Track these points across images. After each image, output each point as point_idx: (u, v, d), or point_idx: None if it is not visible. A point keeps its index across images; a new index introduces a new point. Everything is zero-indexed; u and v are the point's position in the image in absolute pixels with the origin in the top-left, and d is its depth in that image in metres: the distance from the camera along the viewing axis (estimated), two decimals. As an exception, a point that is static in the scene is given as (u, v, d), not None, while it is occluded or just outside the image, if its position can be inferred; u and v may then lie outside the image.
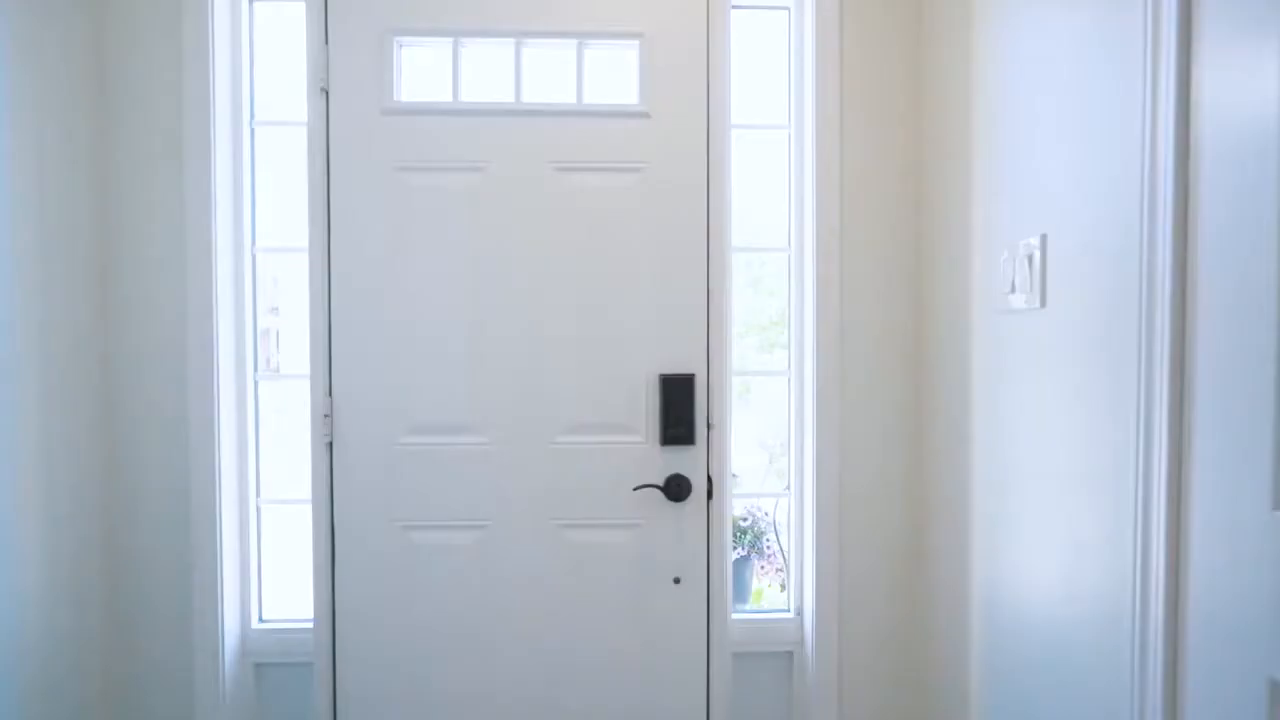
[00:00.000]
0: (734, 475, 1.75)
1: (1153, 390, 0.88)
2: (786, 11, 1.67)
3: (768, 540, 2.65)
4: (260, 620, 1.65)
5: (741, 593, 2.47)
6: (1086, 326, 1.02)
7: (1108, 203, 0.97)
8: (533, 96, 1.55)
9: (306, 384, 1.52)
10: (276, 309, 1.89)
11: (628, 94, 1.55)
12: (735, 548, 2.38)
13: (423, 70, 1.56)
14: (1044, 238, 1.12)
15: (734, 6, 1.62)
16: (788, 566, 1.75)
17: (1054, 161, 1.10)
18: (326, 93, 1.51)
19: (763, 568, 2.68)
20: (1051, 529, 1.11)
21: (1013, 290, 1.20)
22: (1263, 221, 0.73)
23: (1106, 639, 0.97)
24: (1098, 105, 0.99)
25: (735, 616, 1.67)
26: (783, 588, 1.89)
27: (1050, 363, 1.11)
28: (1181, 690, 0.85)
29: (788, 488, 1.74)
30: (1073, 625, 1.05)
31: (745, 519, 2.67)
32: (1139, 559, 0.90)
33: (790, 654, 1.66)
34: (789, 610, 1.71)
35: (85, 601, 1.48)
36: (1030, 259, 1.15)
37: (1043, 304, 1.12)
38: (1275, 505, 0.73)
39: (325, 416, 1.52)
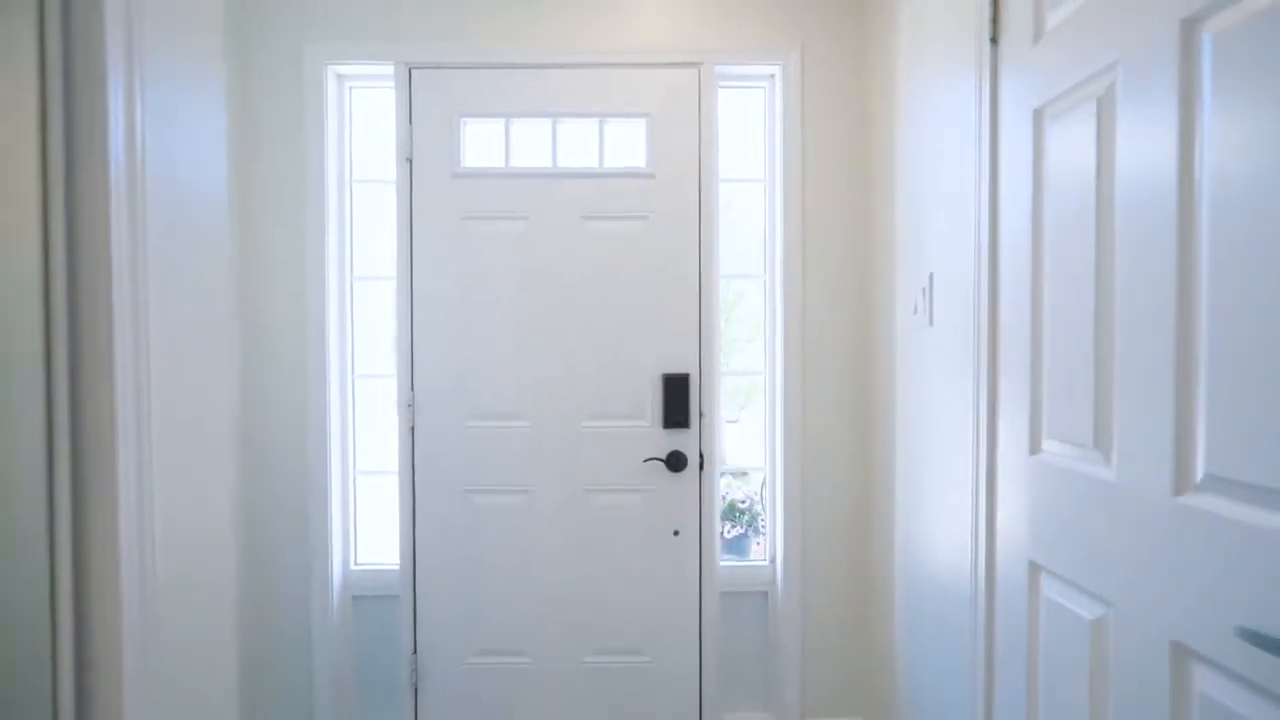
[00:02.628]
0: (740, 467, 2.20)
1: (979, 381, 1.33)
2: (762, 90, 2.13)
3: (762, 521, 3.09)
4: (356, 563, 2.14)
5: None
6: (952, 338, 1.47)
7: (962, 254, 1.42)
8: (565, 162, 2.03)
9: (382, 382, 2.01)
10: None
11: (638, 159, 2.02)
12: (735, 526, 2.84)
13: (482, 143, 2.04)
14: (931, 276, 1.57)
15: (722, 86, 2.09)
16: (767, 525, 2.19)
17: (938, 224, 1.55)
18: (410, 161, 2.00)
19: (758, 544, 3.13)
20: (937, 492, 1.55)
21: (916, 312, 1.65)
22: (1021, 274, 1.18)
23: (958, 566, 1.42)
24: (955, 189, 1.44)
25: (722, 564, 2.12)
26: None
27: (936, 364, 1.56)
28: (994, 585, 1.30)
29: (765, 463, 2.19)
30: (945, 565, 1.49)
31: (744, 501, 3.12)
32: (975, 505, 1.35)
33: (765, 593, 2.11)
34: (765, 559, 2.16)
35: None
36: (924, 290, 1.60)
37: (931, 323, 1.57)
38: (1031, 452, 1.17)
39: (409, 406, 2.01)
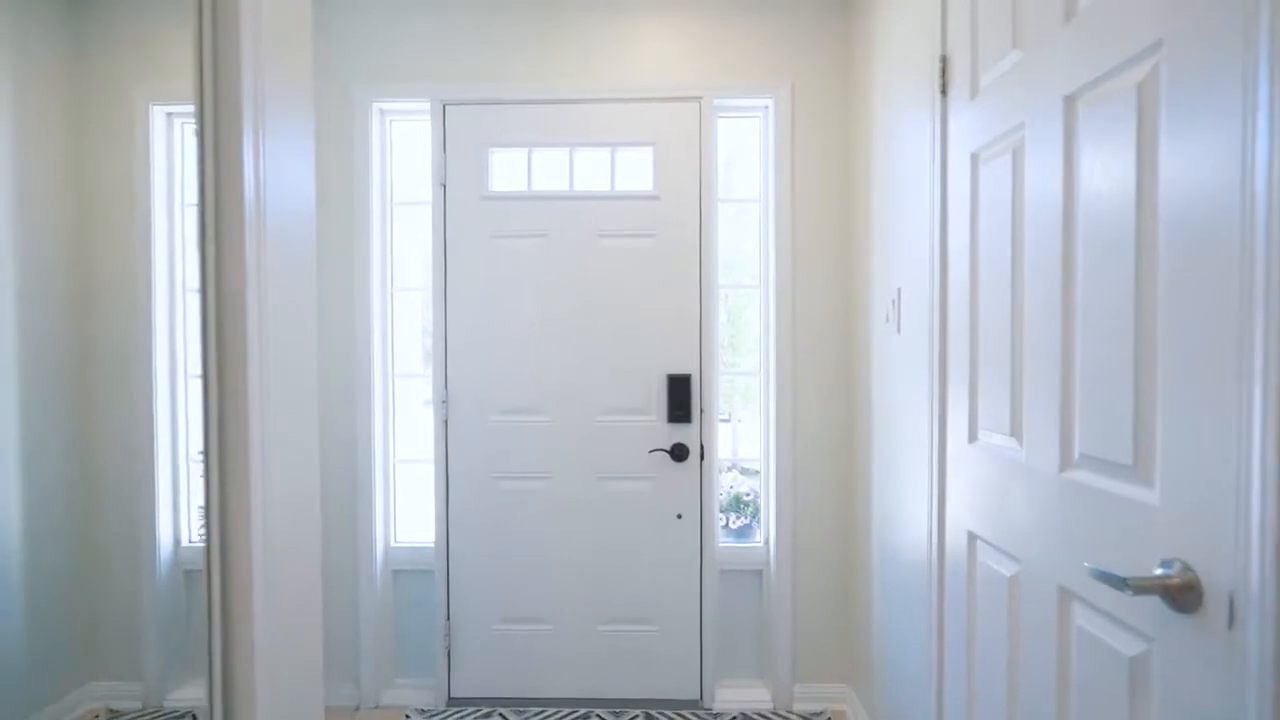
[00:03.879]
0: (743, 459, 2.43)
1: (933, 381, 1.56)
2: (757, 119, 2.37)
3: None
4: (395, 541, 2.40)
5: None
6: (914, 345, 1.69)
7: (921, 271, 1.64)
8: (581, 186, 2.28)
9: (414, 381, 2.27)
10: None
11: (645, 183, 2.27)
12: (740, 517, 3.07)
13: (507, 169, 2.30)
14: (899, 290, 1.79)
15: (721, 116, 2.33)
16: (763, 511, 2.43)
17: (903, 244, 1.77)
18: (444, 186, 2.27)
19: (761, 532, 3.36)
20: (903, 478, 1.78)
21: (887, 321, 1.88)
22: (963, 290, 1.40)
23: (919, 541, 1.64)
24: (915, 214, 1.67)
25: (721, 545, 2.36)
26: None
27: (903, 367, 1.78)
28: (944, 554, 1.52)
29: (761, 454, 2.43)
30: (909, 541, 1.72)
31: (749, 494, 3.35)
32: (930, 488, 1.57)
33: (760, 572, 2.35)
34: (760, 541, 2.40)
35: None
36: (894, 302, 1.83)
37: (899, 331, 1.80)
38: (970, 440, 1.40)
39: (443, 403, 2.27)
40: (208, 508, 1.08)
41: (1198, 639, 0.81)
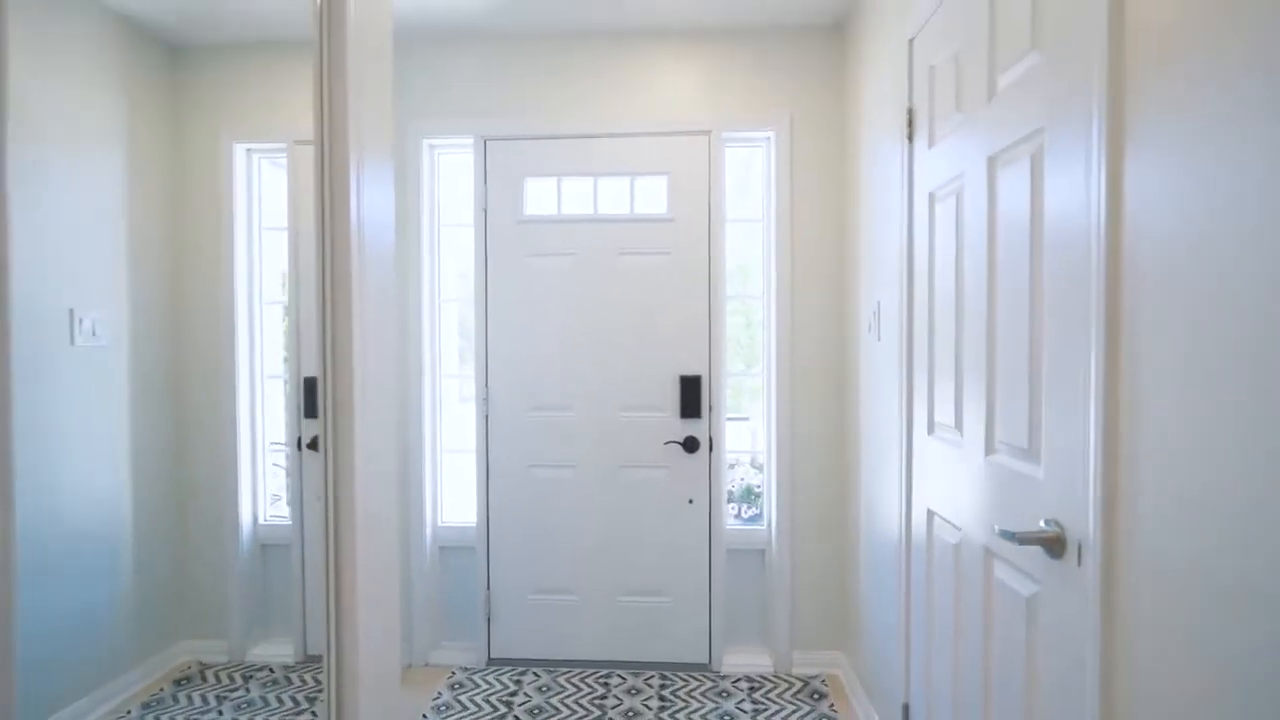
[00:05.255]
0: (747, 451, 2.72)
1: (901, 383, 1.83)
2: (761, 147, 2.65)
3: (775, 502, 3.60)
4: (441, 522, 2.74)
5: (747, 531, 3.41)
6: (890, 352, 1.97)
7: (894, 288, 1.92)
8: (604, 210, 2.59)
9: (453, 381, 2.59)
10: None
11: (660, 207, 2.57)
12: (751, 507, 3.36)
13: (540, 196, 2.62)
14: (879, 303, 2.07)
15: (729, 145, 2.62)
16: (765, 498, 2.72)
17: (883, 262, 2.05)
18: (485, 211, 2.60)
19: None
20: (882, 467, 2.05)
21: (869, 330, 2.15)
22: (922, 305, 1.68)
23: (892, 521, 1.92)
24: (890, 239, 1.95)
25: (728, 526, 2.65)
26: (766, 517, 2.85)
27: (882, 371, 2.06)
28: (910, 530, 1.80)
29: (765, 447, 2.71)
30: (886, 522, 2.00)
31: (759, 487, 3.64)
32: (900, 474, 1.85)
33: (763, 551, 2.64)
34: (763, 524, 2.69)
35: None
36: (875, 313, 2.10)
37: (879, 339, 2.07)
38: (929, 432, 1.68)
39: (484, 400, 2.60)
40: (325, 484, 1.40)
41: (1064, 577, 1.09)
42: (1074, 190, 1.06)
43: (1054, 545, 1.11)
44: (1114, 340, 0.97)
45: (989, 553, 1.37)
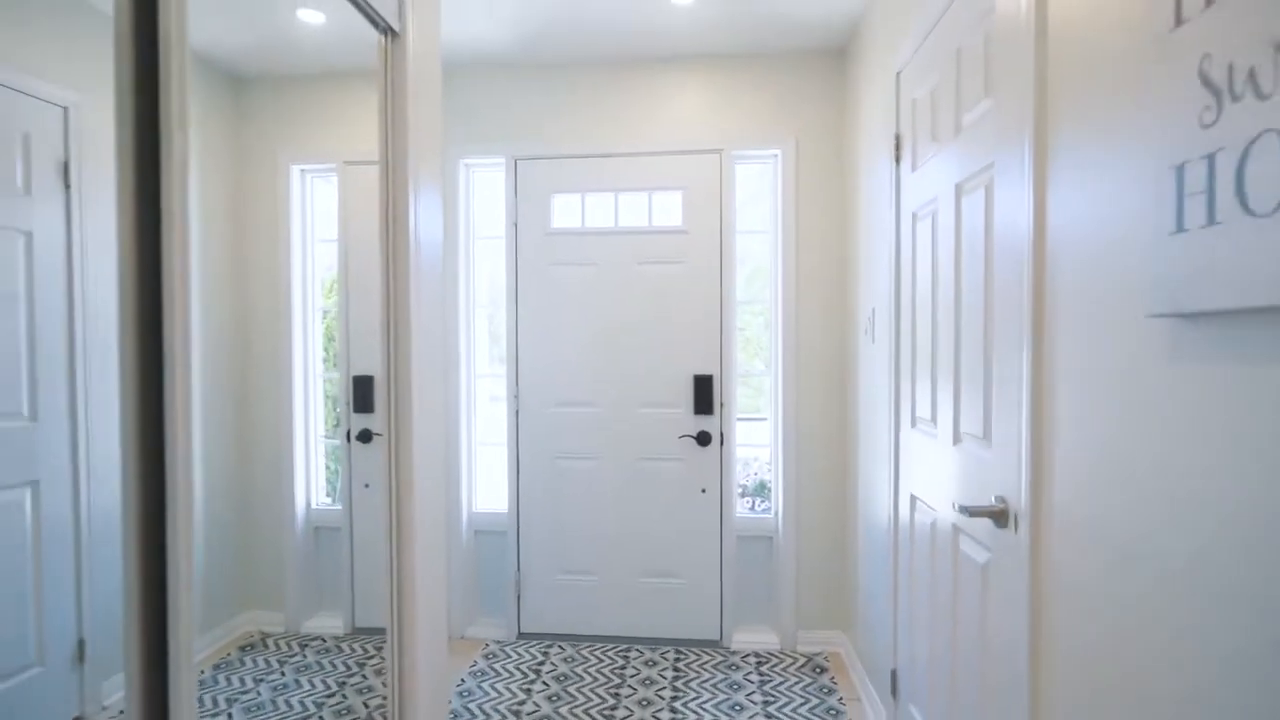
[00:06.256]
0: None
1: (890, 381, 2.03)
2: (769, 164, 2.86)
3: (787, 496, 3.80)
4: (475, 508, 3.00)
5: (759, 522, 3.61)
6: (882, 353, 2.17)
7: (885, 296, 2.12)
8: (624, 223, 2.82)
9: (483, 380, 2.85)
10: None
11: (676, 220, 2.79)
12: (764, 500, 3.57)
13: (565, 210, 2.86)
14: (874, 309, 2.27)
15: (739, 163, 2.84)
16: (773, 488, 2.92)
17: (876, 272, 2.25)
18: (516, 225, 2.85)
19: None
20: (876, 460, 2.25)
21: (865, 333, 2.35)
22: (906, 312, 1.89)
23: (883, 508, 2.12)
24: (881, 251, 2.15)
25: (739, 515, 2.86)
26: (774, 507, 3.05)
27: (877, 371, 2.26)
28: (898, 515, 2.00)
29: (771, 443, 2.92)
30: (878, 509, 2.19)
31: (769, 481, 3.85)
32: (889, 464, 2.05)
33: (771, 538, 2.84)
34: (770, 513, 2.89)
35: (394, 491, 2.87)
36: (870, 318, 2.30)
37: (873, 341, 2.27)
38: (911, 425, 1.88)
39: (514, 397, 2.85)
40: (388, 472, 1.65)
41: (1008, 543, 1.30)
42: (1014, 215, 1.26)
43: (1000, 517, 1.31)
44: (1039, 342, 1.17)
45: (956, 529, 1.57)
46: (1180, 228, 0.77)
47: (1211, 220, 0.73)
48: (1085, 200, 1.03)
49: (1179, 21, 0.78)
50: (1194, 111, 0.75)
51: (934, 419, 1.71)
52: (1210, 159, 0.73)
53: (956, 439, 1.56)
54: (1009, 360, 1.28)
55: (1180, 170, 0.77)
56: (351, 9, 1.56)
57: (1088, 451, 1.03)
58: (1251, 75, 0.67)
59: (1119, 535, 0.95)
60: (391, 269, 1.67)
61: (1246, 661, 0.73)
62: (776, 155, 2.78)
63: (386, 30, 1.60)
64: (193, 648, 1.24)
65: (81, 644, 1.66)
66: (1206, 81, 0.73)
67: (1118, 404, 0.95)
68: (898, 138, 1.99)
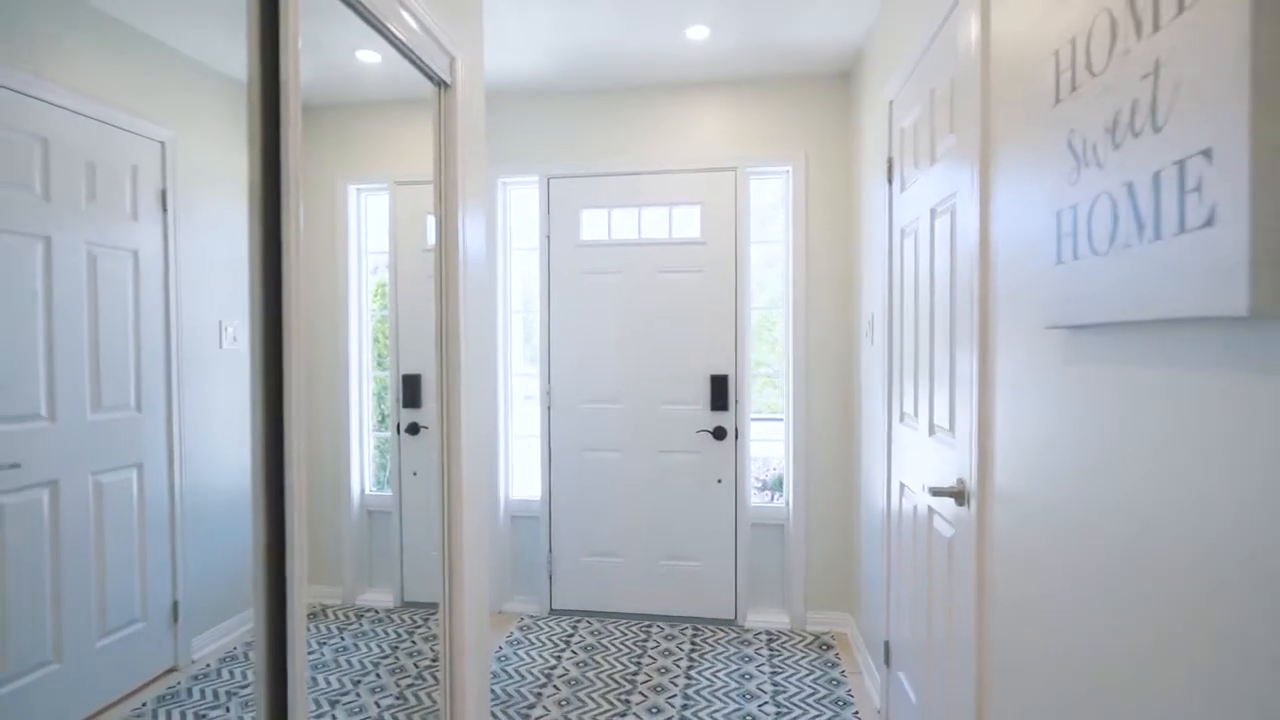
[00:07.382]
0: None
1: (884, 382, 2.25)
2: (781, 178, 3.08)
3: (804, 490, 4.01)
4: (511, 496, 3.28)
5: (775, 513, 3.82)
6: (878, 355, 2.38)
7: (880, 304, 2.33)
8: (647, 235, 3.07)
9: (517, 379, 3.13)
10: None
11: (694, 232, 3.03)
12: (779, 495, 3.78)
13: (593, 223, 3.13)
14: (873, 315, 2.48)
15: (753, 177, 3.07)
16: (784, 479, 3.14)
17: (874, 281, 2.46)
18: (548, 238, 3.13)
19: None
20: (875, 454, 2.46)
21: (866, 336, 2.56)
22: (896, 318, 2.10)
23: (880, 496, 2.33)
24: (878, 262, 2.36)
25: (752, 504, 3.09)
26: (787, 498, 3.27)
27: (875, 372, 2.47)
28: (891, 502, 2.21)
29: (784, 439, 3.14)
30: (876, 498, 2.40)
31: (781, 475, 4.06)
32: (884, 457, 2.26)
33: (782, 525, 3.07)
34: (782, 503, 3.11)
35: (439, 479, 3.18)
36: (870, 323, 2.51)
37: (872, 344, 2.48)
38: (900, 421, 2.09)
39: (547, 394, 3.13)
40: (441, 460, 1.94)
41: (965, 519, 1.51)
42: (969, 238, 1.48)
43: (959, 496, 1.53)
44: (984, 347, 1.39)
45: (930, 510, 1.78)
46: (1060, 259, 1.00)
47: (1076, 255, 0.95)
48: (1012, 229, 1.25)
49: (1058, 100, 1.00)
50: (1066, 172, 0.97)
51: (915, 414, 1.92)
52: (1075, 209, 0.95)
53: (931, 431, 1.78)
54: (964, 362, 1.50)
55: (1059, 215, 0.99)
56: (407, 63, 1.83)
57: (1017, 438, 1.25)
58: (1094, 149, 0.89)
59: (1038, 505, 1.17)
60: (444, 280, 1.95)
61: (1134, 595, 0.95)
62: (788, 171, 3.00)
63: (440, 84, 1.88)
64: (304, 600, 1.53)
65: (175, 605, 2.00)
66: (1072, 150, 0.95)
67: (1035, 398, 1.17)
68: (890, 161, 2.20)
